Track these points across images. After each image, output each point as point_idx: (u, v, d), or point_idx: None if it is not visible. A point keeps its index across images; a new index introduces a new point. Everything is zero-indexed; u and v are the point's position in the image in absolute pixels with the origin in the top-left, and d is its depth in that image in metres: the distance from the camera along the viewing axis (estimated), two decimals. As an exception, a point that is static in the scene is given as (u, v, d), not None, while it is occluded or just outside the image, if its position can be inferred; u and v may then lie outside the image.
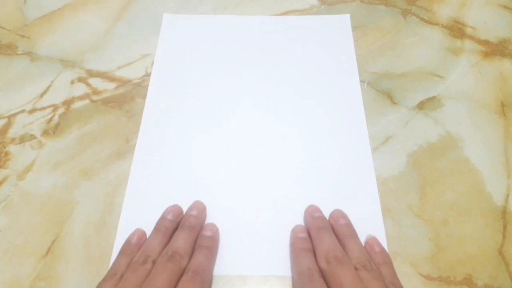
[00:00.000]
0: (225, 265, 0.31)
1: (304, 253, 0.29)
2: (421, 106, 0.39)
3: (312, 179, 0.35)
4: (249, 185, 0.34)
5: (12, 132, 0.38)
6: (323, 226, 0.31)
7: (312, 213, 0.32)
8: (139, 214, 0.33)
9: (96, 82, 0.41)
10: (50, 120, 0.38)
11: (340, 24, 0.45)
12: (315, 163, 0.36)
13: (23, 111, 0.39)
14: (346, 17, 0.46)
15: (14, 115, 0.39)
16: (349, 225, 0.31)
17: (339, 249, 0.29)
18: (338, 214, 0.32)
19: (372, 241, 0.31)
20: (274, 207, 0.33)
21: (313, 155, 0.36)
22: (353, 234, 0.31)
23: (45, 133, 0.38)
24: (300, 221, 0.33)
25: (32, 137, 0.37)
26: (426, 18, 0.46)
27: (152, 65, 0.42)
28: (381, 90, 0.40)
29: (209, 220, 0.33)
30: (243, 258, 0.31)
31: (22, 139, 0.37)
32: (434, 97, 0.40)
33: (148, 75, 0.41)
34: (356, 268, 0.28)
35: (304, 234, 0.31)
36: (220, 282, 0.30)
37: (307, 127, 0.38)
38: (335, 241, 0.30)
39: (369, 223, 0.32)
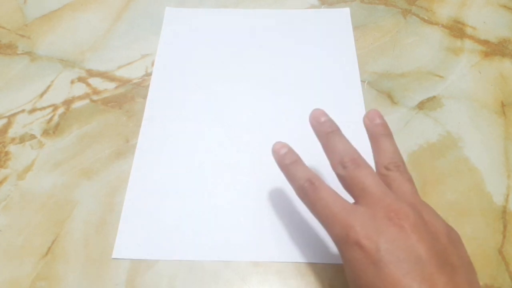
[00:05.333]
0: (236, 251, 0.31)
1: (293, 166, 0.27)
2: (421, 106, 0.39)
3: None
4: (253, 183, 0.34)
5: (12, 132, 0.38)
6: (332, 130, 0.27)
7: (318, 118, 0.28)
8: (139, 214, 0.33)
9: (96, 82, 0.41)
10: (50, 120, 0.38)
11: (340, 18, 0.45)
12: (315, 162, 0.35)
13: (23, 111, 0.39)
14: (346, 11, 0.46)
15: (14, 115, 0.39)
16: (385, 125, 0.28)
17: (355, 151, 0.26)
18: (374, 113, 0.28)
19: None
20: (276, 204, 0.33)
21: (313, 153, 0.36)
22: (389, 134, 0.27)
23: (45, 133, 0.38)
24: (305, 215, 0.32)
25: (32, 137, 0.37)
26: (426, 18, 0.46)
27: (152, 64, 0.42)
28: (381, 90, 0.40)
29: (211, 218, 0.33)
30: (254, 245, 0.32)
31: (22, 139, 0.37)
32: (434, 97, 0.40)
33: (148, 75, 0.41)
34: (388, 169, 0.25)
35: (285, 149, 0.28)
36: (220, 282, 0.30)
37: (307, 124, 0.38)
38: (349, 144, 0.26)
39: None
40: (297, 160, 0.27)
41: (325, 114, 0.28)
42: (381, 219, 0.22)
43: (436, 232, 0.22)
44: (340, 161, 0.25)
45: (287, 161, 0.27)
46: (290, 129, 0.38)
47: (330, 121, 0.28)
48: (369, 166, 0.25)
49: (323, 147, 0.27)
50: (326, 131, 0.27)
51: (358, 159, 0.25)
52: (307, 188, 0.25)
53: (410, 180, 0.25)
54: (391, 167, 0.25)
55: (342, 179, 0.25)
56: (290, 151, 0.28)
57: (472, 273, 0.22)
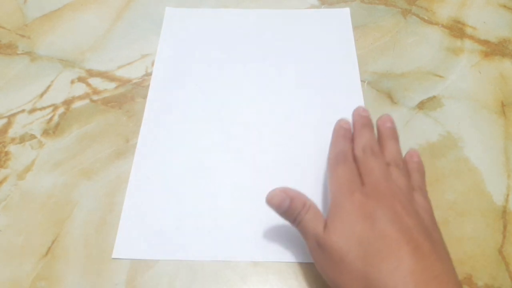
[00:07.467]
0: (236, 251, 0.31)
1: (343, 139, 0.32)
2: (421, 106, 0.39)
3: (311, 179, 0.35)
4: (253, 183, 0.34)
5: (12, 132, 0.38)
6: (367, 123, 0.32)
7: (360, 112, 0.34)
8: (139, 214, 0.33)
9: (96, 82, 0.41)
10: (50, 120, 0.38)
11: (340, 18, 0.45)
12: (314, 162, 0.35)
13: (23, 111, 0.39)
14: (346, 11, 0.46)
15: (14, 115, 0.39)
16: (393, 129, 0.33)
17: (377, 145, 0.31)
18: (386, 118, 0.33)
19: (413, 152, 0.33)
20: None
21: (312, 153, 0.36)
22: (395, 138, 0.32)
23: (45, 133, 0.38)
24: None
25: (32, 137, 0.37)
26: (426, 18, 0.46)
27: (152, 64, 0.42)
28: (381, 90, 0.40)
29: (211, 218, 0.33)
30: (255, 245, 0.32)
31: (22, 139, 0.37)
32: (434, 97, 0.40)
33: (148, 74, 0.41)
34: (389, 165, 0.29)
35: (347, 126, 0.33)
36: (220, 281, 0.30)
37: (307, 124, 0.38)
38: (375, 139, 0.32)
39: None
40: (349, 138, 0.32)
41: (367, 111, 0.34)
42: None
43: (420, 211, 0.27)
44: (362, 146, 0.30)
45: (342, 133, 0.32)
46: (290, 128, 0.38)
47: (368, 118, 0.33)
48: (383, 159, 0.30)
49: (354, 132, 0.32)
50: (363, 123, 0.32)
51: (377, 151, 0.30)
52: (341, 157, 0.30)
53: (406, 176, 0.29)
54: (392, 163, 0.30)
55: (358, 160, 0.29)
56: (349, 130, 0.33)
57: (444, 247, 0.26)
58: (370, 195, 0.26)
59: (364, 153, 0.30)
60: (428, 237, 0.25)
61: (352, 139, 0.32)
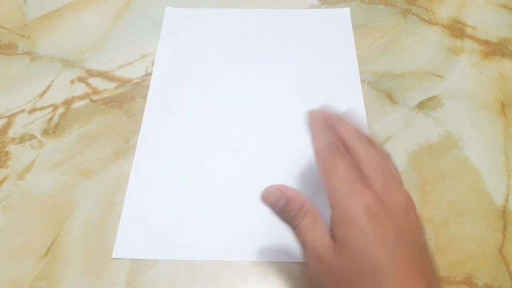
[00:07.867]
0: (236, 251, 0.31)
1: (325, 128, 0.27)
2: (421, 106, 0.39)
3: (311, 180, 0.35)
4: (253, 183, 0.34)
5: (12, 132, 0.38)
6: (339, 116, 0.29)
7: (324, 111, 0.29)
8: (139, 214, 0.33)
9: (96, 82, 0.41)
10: (50, 120, 0.38)
11: (340, 18, 0.45)
12: (314, 162, 0.35)
13: (23, 111, 0.39)
14: (346, 11, 0.46)
15: (14, 115, 0.39)
16: (336, 114, 0.29)
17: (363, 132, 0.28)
18: (321, 111, 0.29)
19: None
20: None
21: (312, 153, 0.36)
22: (345, 119, 0.29)
23: (45, 133, 0.38)
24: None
25: (32, 137, 0.37)
26: (426, 18, 0.46)
27: (152, 64, 0.42)
28: (381, 90, 0.40)
29: (211, 218, 0.33)
30: (258, 246, 0.32)
31: (22, 139, 0.37)
32: (434, 97, 0.40)
33: (148, 74, 0.41)
34: (369, 144, 0.27)
35: (324, 114, 0.29)
36: (220, 281, 0.30)
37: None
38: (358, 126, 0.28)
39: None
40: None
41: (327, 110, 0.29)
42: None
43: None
44: (355, 134, 0.27)
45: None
46: (290, 128, 0.38)
47: (334, 113, 0.29)
48: (374, 145, 0.27)
49: (335, 125, 0.28)
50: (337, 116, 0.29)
51: (366, 138, 0.27)
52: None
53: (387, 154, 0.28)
54: (370, 143, 0.27)
55: (352, 150, 0.26)
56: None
57: (424, 242, 0.24)
58: (382, 199, 0.24)
59: (360, 143, 0.26)
60: (427, 259, 0.24)
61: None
